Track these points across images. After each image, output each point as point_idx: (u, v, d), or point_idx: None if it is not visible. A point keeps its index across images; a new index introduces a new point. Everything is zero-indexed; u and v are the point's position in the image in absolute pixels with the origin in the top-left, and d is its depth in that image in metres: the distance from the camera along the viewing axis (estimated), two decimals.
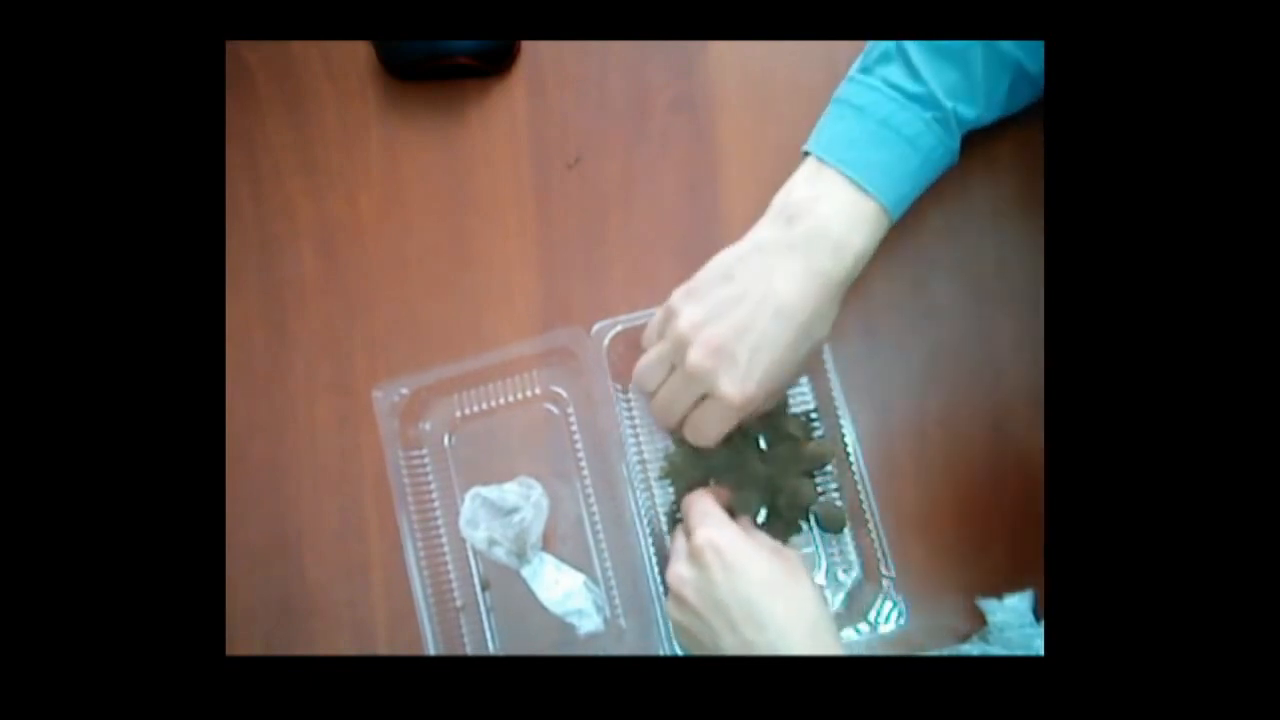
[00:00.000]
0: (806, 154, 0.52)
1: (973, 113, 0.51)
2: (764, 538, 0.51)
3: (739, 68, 0.62)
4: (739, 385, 0.48)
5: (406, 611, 0.56)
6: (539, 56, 0.64)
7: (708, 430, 0.51)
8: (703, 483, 0.55)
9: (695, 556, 0.49)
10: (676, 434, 0.55)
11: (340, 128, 0.64)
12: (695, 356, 0.48)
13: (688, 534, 0.51)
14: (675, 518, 0.56)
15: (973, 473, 0.57)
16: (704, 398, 0.50)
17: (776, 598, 0.47)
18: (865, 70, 0.52)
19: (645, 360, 0.52)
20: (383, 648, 0.59)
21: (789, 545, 0.57)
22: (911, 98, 0.50)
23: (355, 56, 0.65)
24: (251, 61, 0.65)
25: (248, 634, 0.59)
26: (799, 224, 0.49)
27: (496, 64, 0.63)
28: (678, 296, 0.51)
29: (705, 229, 0.61)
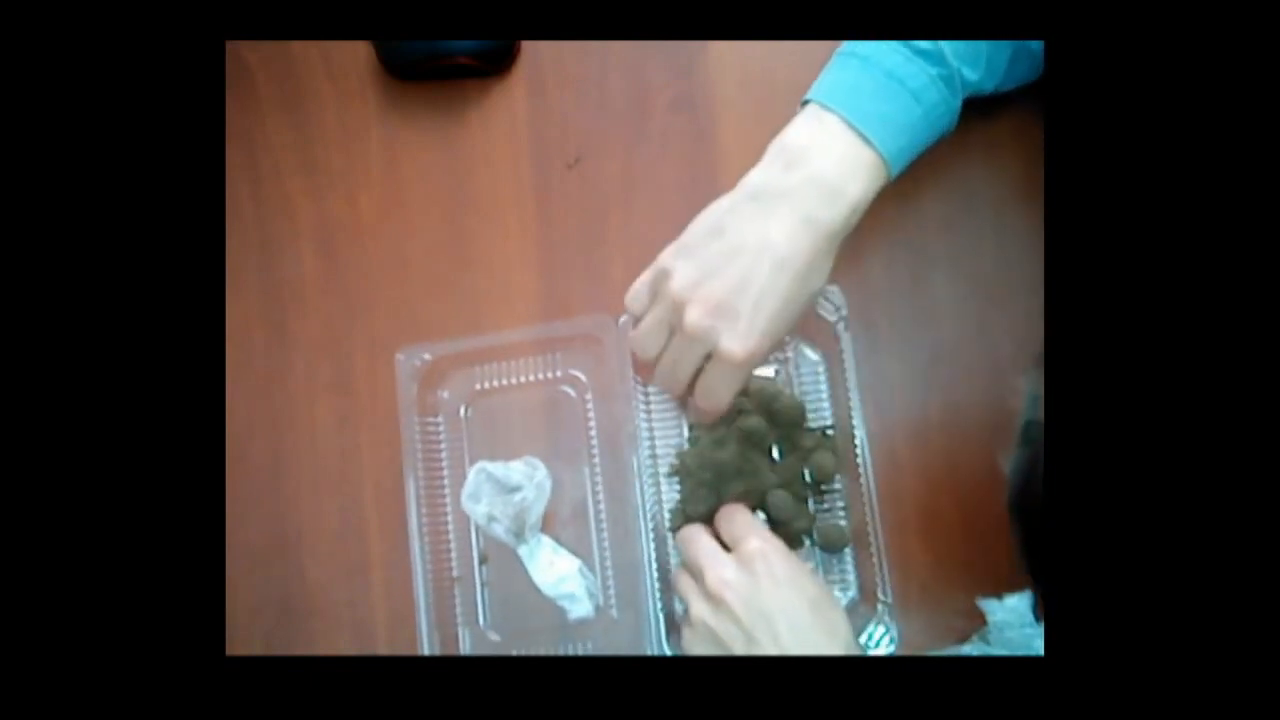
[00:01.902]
0: (806, 102, 0.51)
1: (975, 75, 0.51)
2: (796, 559, 0.51)
3: (739, 68, 0.62)
4: (743, 341, 0.47)
5: (406, 611, 0.56)
6: (539, 56, 0.64)
7: (719, 391, 0.50)
8: (711, 485, 0.55)
9: (745, 563, 0.49)
10: (687, 402, 0.54)
11: (340, 128, 0.64)
12: (694, 316, 0.47)
13: (732, 541, 0.50)
14: (685, 514, 0.56)
15: (973, 472, 0.57)
16: (707, 358, 0.49)
17: (820, 619, 0.47)
18: None
19: (643, 326, 0.51)
20: (383, 648, 0.59)
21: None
22: (918, 52, 0.50)
23: (355, 56, 0.65)
24: (251, 61, 0.65)
25: (248, 634, 0.60)
26: (795, 170, 0.48)
27: (496, 64, 0.63)
28: (668, 255, 0.50)
29: None
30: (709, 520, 0.55)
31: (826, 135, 0.49)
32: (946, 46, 0.49)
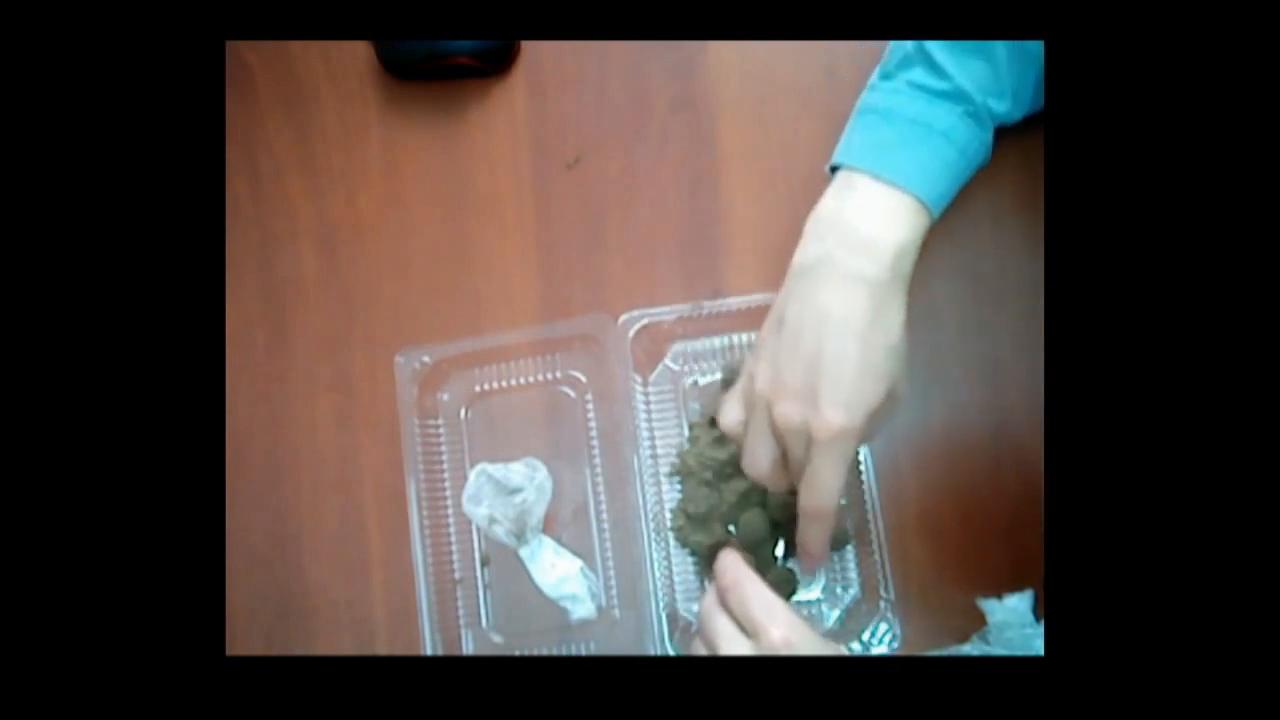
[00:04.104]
0: (834, 169, 0.50)
1: (1002, 107, 0.50)
2: (825, 641, 0.47)
3: (739, 68, 0.62)
4: (829, 419, 0.44)
5: (407, 612, 0.56)
6: (539, 56, 0.64)
7: (823, 478, 0.46)
8: (711, 484, 0.55)
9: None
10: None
11: (340, 128, 0.64)
12: (781, 412, 0.46)
13: (750, 625, 0.46)
14: (686, 514, 0.56)
15: (973, 472, 0.57)
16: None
17: None
18: (886, 76, 0.51)
19: (747, 444, 0.49)
20: (383, 648, 0.59)
21: (792, 558, 0.57)
22: (939, 95, 0.49)
23: (355, 56, 0.65)
24: (251, 61, 0.65)
25: (248, 634, 0.60)
26: (829, 236, 0.47)
27: (496, 64, 0.63)
28: (749, 361, 0.49)
29: (705, 229, 0.61)
30: (708, 521, 0.55)
31: (856, 195, 0.48)
32: (966, 82, 0.48)
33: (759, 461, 0.48)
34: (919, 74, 0.49)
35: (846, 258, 0.46)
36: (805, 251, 0.48)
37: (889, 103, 0.50)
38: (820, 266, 0.47)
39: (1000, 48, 0.49)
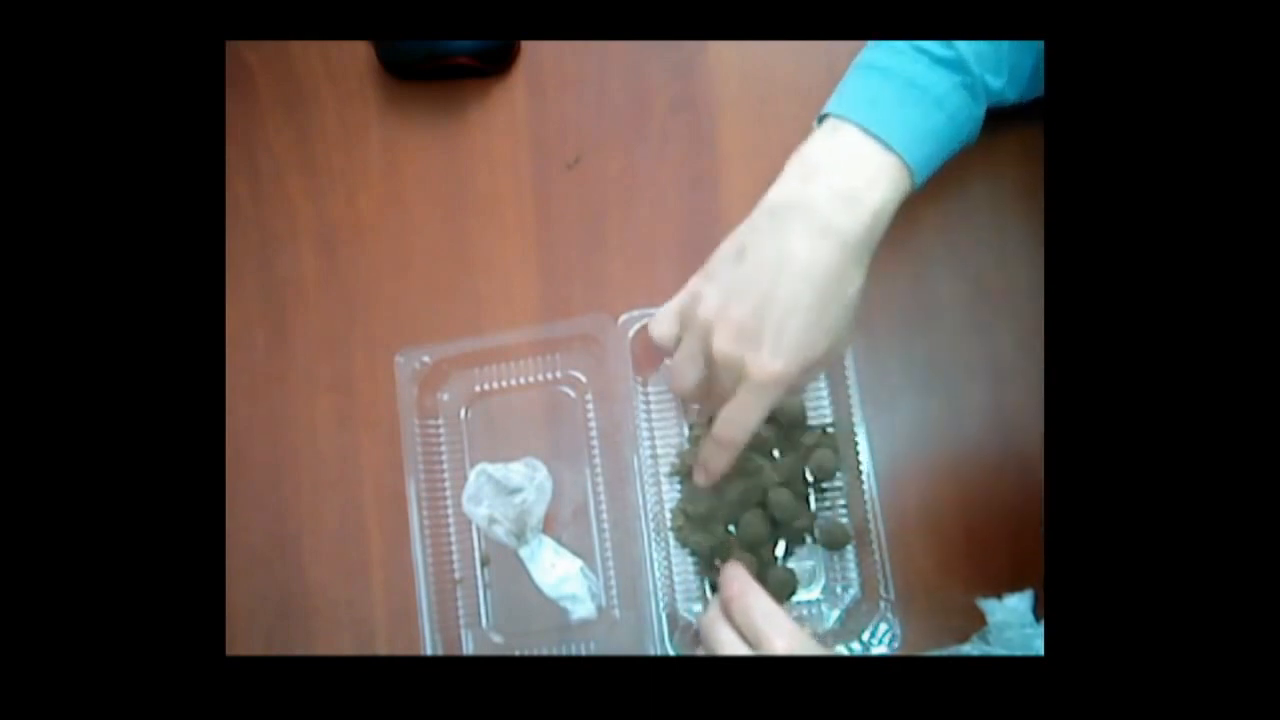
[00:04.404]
0: (824, 117, 0.49)
1: (998, 83, 0.50)
2: (828, 651, 0.48)
3: (739, 68, 0.62)
4: (768, 362, 0.44)
5: (407, 612, 0.56)
6: (539, 56, 0.64)
7: (739, 419, 0.46)
8: (712, 486, 0.55)
9: None
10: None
11: (340, 128, 0.64)
12: (720, 343, 0.45)
13: (753, 636, 0.46)
14: (686, 514, 0.56)
15: (973, 472, 0.57)
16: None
17: None
18: None
19: (676, 359, 0.49)
20: (383, 648, 0.59)
21: (792, 557, 0.57)
22: (939, 60, 0.48)
23: (355, 56, 0.65)
24: (251, 61, 0.65)
25: (248, 634, 0.60)
26: (812, 182, 0.46)
27: (496, 64, 0.63)
28: (696, 281, 0.48)
29: (705, 229, 0.61)
30: (709, 521, 0.55)
31: (844, 145, 0.47)
32: (968, 53, 0.48)
33: (684, 381, 0.48)
34: None
35: (825, 206, 0.46)
36: (783, 189, 0.47)
37: (889, 61, 0.49)
38: (795, 209, 0.46)
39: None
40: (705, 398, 0.49)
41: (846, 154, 0.47)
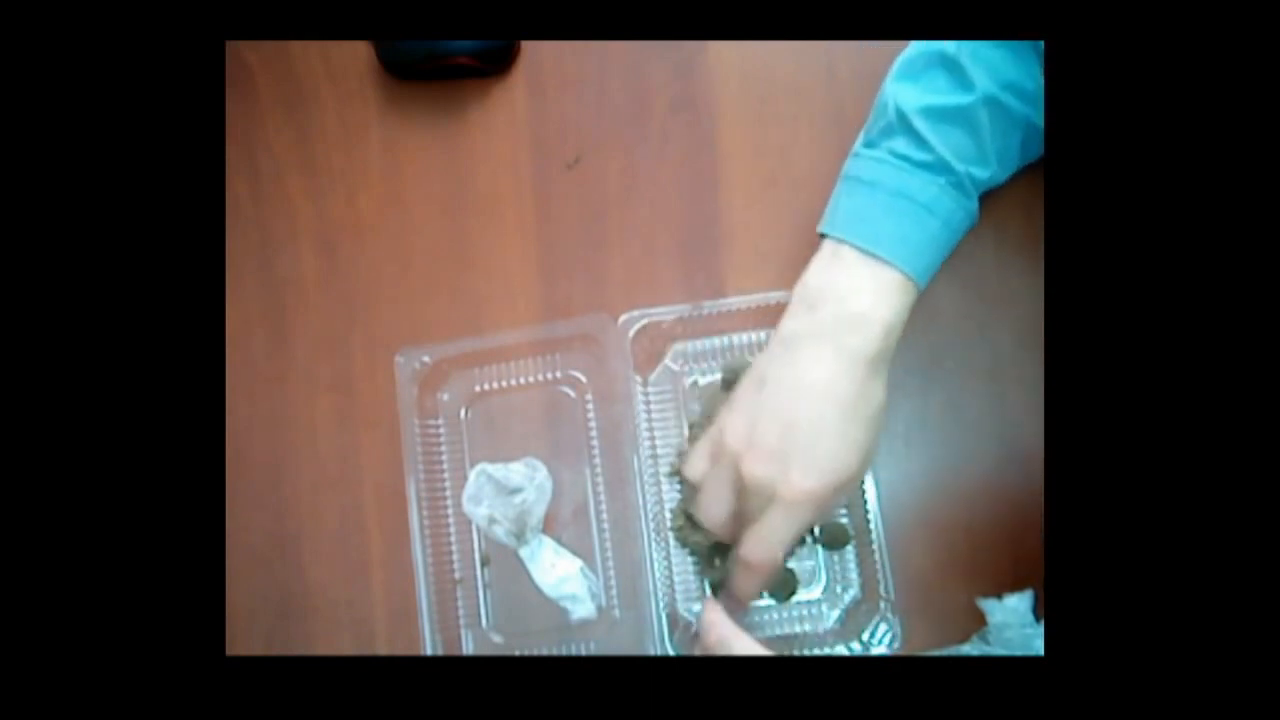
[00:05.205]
0: (823, 236, 0.50)
1: (986, 173, 0.50)
2: None
3: (739, 68, 0.62)
4: (798, 481, 0.46)
5: (407, 612, 0.56)
6: (539, 56, 0.64)
7: (770, 538, 0.47)
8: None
9: None
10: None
11: (340, 128, 0.64)
12: (749, 467, 0.47)
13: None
14: (685, 514, 0.56)
15: (973, 472, 0.57)
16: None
17: None
18: (870, 144, 0.51)
19: (705, 491, 0.50)
20: (383, 648, 0.59)
21: (792, 557, 0.57)
22: (921, 165, 0.49)
23: (355, 56, 0.65)
24: (251, 61, 0.65)
25: (248, 634, 0.60)
26: (820, 309, 0.48)
27: (496, 64, 0.63)
28: (721, 416, 0.50)
29: (705, 229, 0.61)
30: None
31: (844, 267, 0.48)
32: (946, 153, 0.48)
33: (714, 511, 0.50)
34: (901, 144, 0.49)
35: (837, 331, 0.47)
36: (793, 320, 0.49)
37: (873, 173, 0.50)
38: (809, 337, 0.48)
39: (983, 119, 0.49)
40: (738, 530, 0.49)
41: (847, 276, 0.48)
